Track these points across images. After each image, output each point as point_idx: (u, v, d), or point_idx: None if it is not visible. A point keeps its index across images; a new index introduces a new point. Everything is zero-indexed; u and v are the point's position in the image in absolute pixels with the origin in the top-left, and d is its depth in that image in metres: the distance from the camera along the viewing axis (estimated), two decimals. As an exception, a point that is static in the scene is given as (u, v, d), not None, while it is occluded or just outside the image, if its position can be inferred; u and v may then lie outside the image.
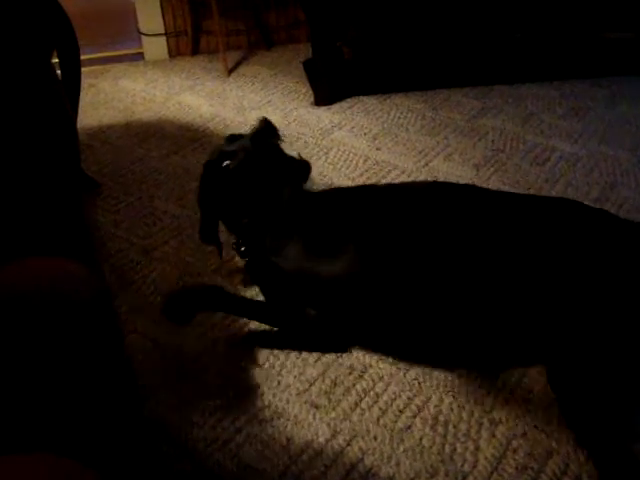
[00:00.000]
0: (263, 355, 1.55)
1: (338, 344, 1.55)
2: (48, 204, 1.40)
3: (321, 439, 1.34)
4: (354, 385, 1.46)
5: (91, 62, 3.26)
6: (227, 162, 1.63)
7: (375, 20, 2.80)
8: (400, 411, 1.39)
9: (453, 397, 1.42)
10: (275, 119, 2.64)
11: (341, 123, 2.62)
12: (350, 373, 1.49)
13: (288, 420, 1.38)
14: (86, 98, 2.80)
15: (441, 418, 1.37)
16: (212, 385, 1.47)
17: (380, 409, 1.40)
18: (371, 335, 1.57)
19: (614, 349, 1.29)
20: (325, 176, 2.25)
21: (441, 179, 2.18)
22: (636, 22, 2.81)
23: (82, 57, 1.99)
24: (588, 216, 1.48)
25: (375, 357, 1.53)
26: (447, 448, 1.31)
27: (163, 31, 3.33)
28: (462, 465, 1.28)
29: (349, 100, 2.82)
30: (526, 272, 1.37)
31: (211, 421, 1.39)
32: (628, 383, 1.30)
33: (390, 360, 1.52)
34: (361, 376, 1.48)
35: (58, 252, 1.23)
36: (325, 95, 2.78)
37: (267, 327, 1.60)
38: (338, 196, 1.67)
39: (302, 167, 1.71)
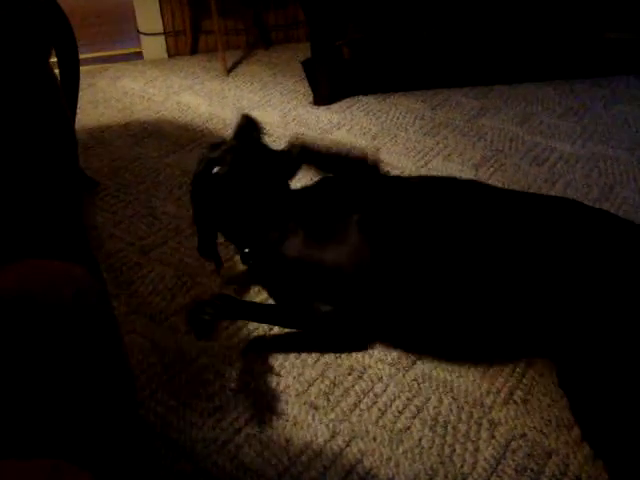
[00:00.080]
0: (262, 356, 1.54)
1: (356, 340, 1.54)
2: (46, 204, 1.39)
3: (320, 440, 1.33)
4: (353, 386, 1.46)
5: (89, 61, 3.25)
6: (216, 169, 1.56)
7: (374, 20, 2.80)
8: (399, 412, 1.39)
9: (452, 398, 1.42)
10: (274, 119, 2.65)
11: (340, 123, 2.62)
12: (349, 374, 1.49)
13: (287, 421, 1.38)
14: (84, 97, 2.80)
15: (440, 419, 1.37)
16: (211, 386, 1.47)
17: (379, 410, 1.40)
18: (383, 327, 1.56)
19: (616, 348, 1.29)
20: (324, 176, 2.25)
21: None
22: (635, 22, 2.81)
23: (80, 56, 1.98)
24: (589, 215, 1.48)
25: (374, 358, 1.52)
26: (446, 449, 1.31)
27: (162, 30, 3.32)
28: (461, 466, 1.27)
29: (348, 100, 2.81)
30: (530, 267, 1.37)
31: (210, 422, 1.38)
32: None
33: (389, 361, 1.51)
34: (360, 377, 1.48)
35: (56, 252, 1.22)
36: (324, 95, 2.78)
37: (278, 330, 1.60)
38: (337, 185, 1.66)
39: (291, 158, 1.66)
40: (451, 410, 1.39)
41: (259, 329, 1.61)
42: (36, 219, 1.33)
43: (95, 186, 2.22)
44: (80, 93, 2.04)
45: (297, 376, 1.48)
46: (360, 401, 1.42)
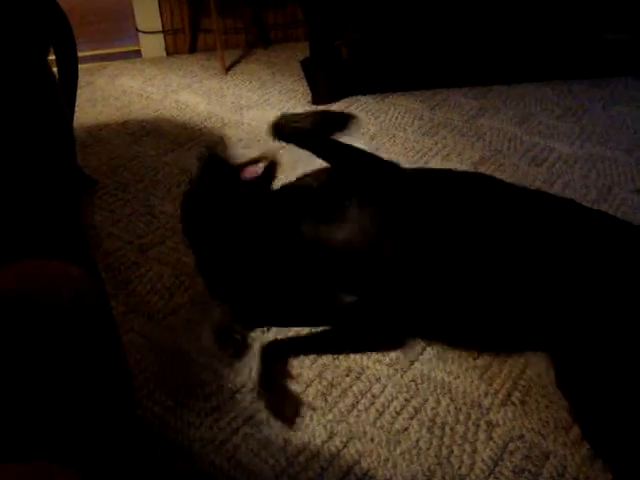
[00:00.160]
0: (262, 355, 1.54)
1: (390, 335, 1.54)
2: (44, 203, 1.39)
3: (318, 441, 1.33)
4: (351, 387, 1.45)
5: (88, 59, 3.24)
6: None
7: (373, 20, 2.80)
8: (397, 413, 1.39)
9: (450, 399, 1.42)
10: (272, 118, 2.64)
11: (339, 122, 2.61)
12: (347, 375, 1.49)
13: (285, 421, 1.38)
14: (83, 95, 2.79)
15: (438, 420, 1.37)
16: (208, 386, 1.46)
17: (377, 411, 1.40)
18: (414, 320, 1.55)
19: (615, 346, 1.30)
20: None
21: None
22: (634, 23, 2.81)
23: (79, 54, 1.98)
24: (588, 217, 1.48)
25: (372, 359, 1.52)
26: (444, 450, 1.31)
27: (161, 29, 3.32)
28: (459, 468, 1.27)
29: (347, 100, 2.81)
30: (529, 266, 1.38)
31: (207, 422, 1.38)
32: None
33: (387, 362, 1.51)
34: (358, 378, 1.48)
35: (54, 251, 1.22)
36: (323, 94, 2.78)
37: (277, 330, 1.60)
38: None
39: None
40: (449, 411, 1.39)
41: (259, 329, 1.61)
42: (34, 218, 1.33)
43: (93, 185, 2.22)
44: (78, 91, 2.03)
45: (295, 377, 1.48)
46: (358, 402, 1.42)
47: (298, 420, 1.38)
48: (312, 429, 1.36)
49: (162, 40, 3.35)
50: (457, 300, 1.43)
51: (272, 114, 2.68)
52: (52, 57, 1.81)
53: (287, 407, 1.39)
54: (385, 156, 2.31)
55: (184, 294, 1.73)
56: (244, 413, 1.40)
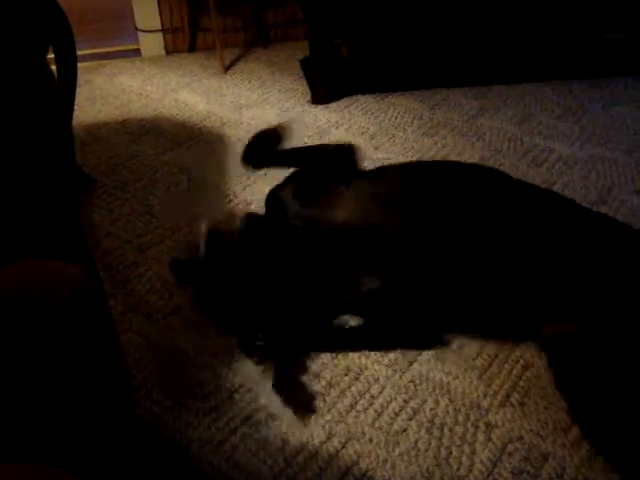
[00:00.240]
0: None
1: (423, 327, 1.54)
2: (43, 202, 1.38)
3: (316, 441, 1.33)
4: (349, 387, 1.45)
5: (87, 58, 3.24)
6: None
7: (373, 19, 2.79)
8: (396, 414, 1.39)
9: (449, 400, 1.41)
10: (271, 117, 2.65)
11: (338, 122, 2.61)
12: (346, 374, 1.48)
13: (283, 422, 1.37)
14: (82, 94, 2.78)
15: (437, 421, 1.37)
16: (207, 386, 1.46)
17: (375, 411, 1.39)
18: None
19: (615, 345, 1.30)
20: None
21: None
22: (634, 23, 2.81)
23: (78, 53, 1.97)
24: (586, 218, 1.48)
25: (371, 359, 1.52)
26: (443, 451, 1.30)
27: (160, 27, 3.31)
28: (458, 469, 1.27)
29: (347, 99, 2.81)
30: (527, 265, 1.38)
31: (206, 422, 1.38)
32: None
33: (386, 362, 1.51)
34: (357, 378, 1.47)
35: (53, 250, 1.22)
36: (322, 94, 2.77)
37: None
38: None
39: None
40: (448, 412, 1.39)
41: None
42: (33, 217, 1.32)
43: (92, 183, 2.21)
44: (77, 90, 2.02)
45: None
46: (356, 402, 1.42)
47: (297, 420, 1.37)
48: (310, 429, 1.35)
49: (161, 39, 3.34)
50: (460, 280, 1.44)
51: (271, 113, 2.68)
52: (51, 56, 1.81)
53: (302, 402, 1.39)
54: (385, 156, 2.33)
55: (183, 294, 1.72)
56: (242, 413, 1.39)
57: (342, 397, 1.43)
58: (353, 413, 1.39)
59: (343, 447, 1.32)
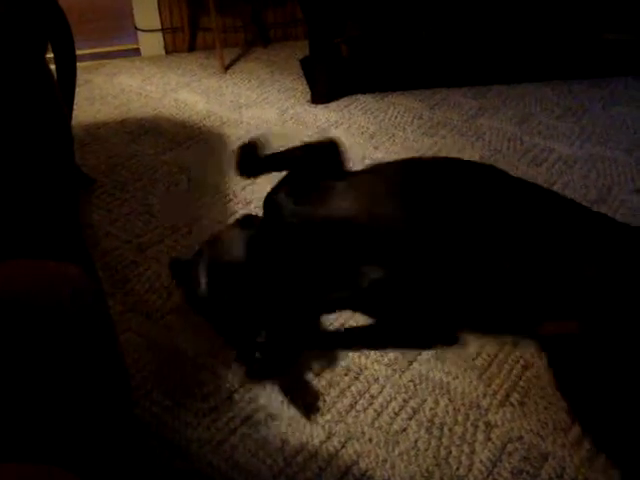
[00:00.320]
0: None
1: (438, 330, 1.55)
2: (42, 201, 1.38)
3: (316, 441, 1.33)
4: (349, 387, 1.45)
5: (86, 57, 3.23)
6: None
7: (373, 18, 2.79)
8: (395, 413, 1.39)
9: (449, 400, 1.41)
10: (271, 116, 2.65)
11: (338, 121, 2.61)
12: (346, 374, 1.48)
13: (283, 422, 1.37)
14: (81, 94, 2.78)
15: (436, 421, 1.37)
16: (206, 386, 1.46)
17: (375, 411, 1.39)
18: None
19: (614, 345, 1.30)
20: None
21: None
22: (634, 24, 2.81)
23: (77, 52, 1.97)
24: (586, 218, 1.48)
25: (370, 359, 1.52)
26: (442, 451, 1.30)
27: (159, 27, 3.31)
28: (457, 468, 1.27)
29: (346, 98, 2.80)
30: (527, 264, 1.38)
31: (205, 422, 1.38)
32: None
33: (385, 362, 1.51)
34: (356, 378, 1.47)
35: (52, 250, 1.22)
36: (322, 93, 2.77)
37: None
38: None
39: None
40: (447, 412, 1.39)
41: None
42: (32, 217, 1.32)
43: (91, 183, 2.21)
44: (77, 89, 2.02)
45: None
46: (356, 402, 1.41)
47: (296, 420, 1.37)
48: (310, 429, 1.35)
49: (161, 38, 3.34)
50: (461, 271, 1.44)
51: (271, 113, 2.68)
52: (50, 55, 1.81)
53: (307, 402, 1.40)
54: (384, 155, 2.33)
55: (182, 294, 1.72)
56: (242, 413, 1.39)
57: (342, 397, 1.43)
58: (353, 413, 1.39)
59: (343, 447, 1.32)
